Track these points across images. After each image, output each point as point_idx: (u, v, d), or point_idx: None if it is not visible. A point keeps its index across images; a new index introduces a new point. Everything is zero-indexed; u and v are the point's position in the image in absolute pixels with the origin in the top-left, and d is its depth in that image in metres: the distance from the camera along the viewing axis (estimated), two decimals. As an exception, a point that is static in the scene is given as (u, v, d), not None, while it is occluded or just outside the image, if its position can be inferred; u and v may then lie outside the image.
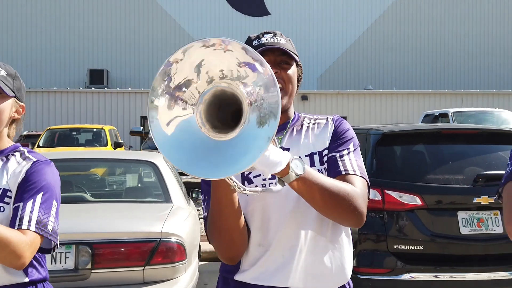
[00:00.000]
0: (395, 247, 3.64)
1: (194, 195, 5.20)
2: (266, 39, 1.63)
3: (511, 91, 26.61)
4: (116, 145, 12.30)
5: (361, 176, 1.52)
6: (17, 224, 1.57)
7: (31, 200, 1.61)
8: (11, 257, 1.50)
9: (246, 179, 1.55)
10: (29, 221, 1.57)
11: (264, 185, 1.54)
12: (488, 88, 28.90)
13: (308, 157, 1.57)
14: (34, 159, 1.71)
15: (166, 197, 3.96)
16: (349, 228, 1.61)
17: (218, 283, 1.70)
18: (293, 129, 1.65)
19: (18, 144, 1.78)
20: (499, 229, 3.80)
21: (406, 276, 3.65)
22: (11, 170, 1.68)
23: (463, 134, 4.28)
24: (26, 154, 1.73)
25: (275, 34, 1.67)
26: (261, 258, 1.54)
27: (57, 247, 1.65)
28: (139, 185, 4.70)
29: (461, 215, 3.81)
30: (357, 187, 1.49)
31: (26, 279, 1.63)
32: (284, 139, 1.62)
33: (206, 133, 1.23)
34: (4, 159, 1.71)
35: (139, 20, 29.76)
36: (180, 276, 3.41)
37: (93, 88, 25.54)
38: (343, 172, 1.50)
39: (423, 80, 30.16)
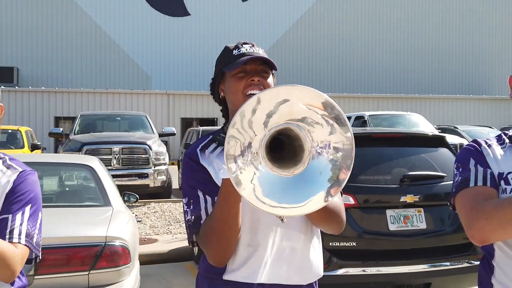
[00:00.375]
0: (330, 244, 3.86)
1: (125, 198, 5.16)
2: (246, 49, 1.71)
3: (418, 96, 28.32)
4: (33, 147, 11.79)
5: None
6: (7, 236, 1.55)
7: (20, 212, 1.60)
8: (5, 270, 1.49)
9: None
10: (19, 234, 1.56)
11: None
12: (398, 92, 30.51)
13: None
14: (20, 169, 1.69)
15: (105, 201, 3.93)
16: (319, 230, 1.76)
17: (200, 284, 1.76)
18: None
19: None
20: (422, 225, 4.14)
21: (340, 271, 3.88)
22: None
23: (390, 138, 4.60)
24: (8, 162, 1.70)
25: (253, 45, 1.75)
26: (250, 257, 1.63)
27: (38, 259, 1.64)
28: (77, 189, 4.60)
29: (389, 212, 4.10)
30: (340, 200, 1.66)
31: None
32: None
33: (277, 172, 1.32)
34: None
35: (52, 16, 28.55)
36: (125, 280, 3.42)
37: (2, 87, 24.17)
38: None
39: (337, 84, 31.29)
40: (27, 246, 1.56)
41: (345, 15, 31.63)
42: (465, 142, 12.61)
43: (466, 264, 4.21)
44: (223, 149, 1.31)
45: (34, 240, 1.59)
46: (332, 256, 3.88)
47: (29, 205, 1.64)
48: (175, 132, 13.49)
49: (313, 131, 1.33)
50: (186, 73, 29.97)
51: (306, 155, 1.33)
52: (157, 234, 8.01)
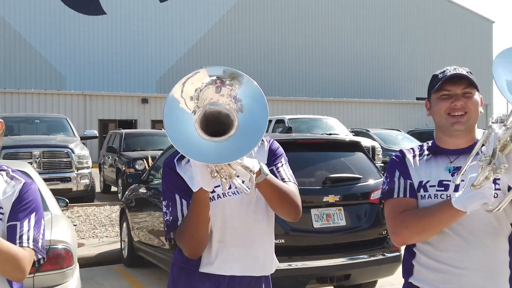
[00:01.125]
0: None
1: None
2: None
3: (332, 99, 29.59)
4: None
5: (294, 183, 2.00)
6: (17, 241, 1.73)
7: (27, 220, 1.78)
8: (17, 271, 1.68)
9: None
10: (28, 239, 1.75)
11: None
12: (314, 96, 31.67)
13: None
14: (23, 180, 1.87)
15: (43, 206, 4.01)
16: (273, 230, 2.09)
17: (175, 274, 2.02)
18: None
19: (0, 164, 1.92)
20: (342, 222, 4.58)
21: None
22: (1, 189, 1.82)
23: (314, 143, 5.02)
24: (11, 173, 1.87)
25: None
26: (222, 252, 1.92)
27: (43, 260, 1.82)
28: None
29: (313, 211, 4.51)
30: (295, 188, 1.98)
31: None
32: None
33: (204, 137, 1.60)
34: None
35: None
36: (69, 281, 3.56)
37: None
38: (281, 180, 1.95)
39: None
40: (34, 250, 1.75)
41: (262, 19, 32.36)
42: (377, 145, 13.48)
43: (380, 256, 4.71)
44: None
45: (40, 244, 1.78)
46: (263, 253, 4.22)
47: (34, 213, 1.83)
48: (97, 135, 13.33)
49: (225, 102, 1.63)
50: (102, 74, 29.32)
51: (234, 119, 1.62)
52: (83, 238, 7.99)
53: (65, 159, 10.15)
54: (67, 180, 10.03)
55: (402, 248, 3.69)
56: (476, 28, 38.38)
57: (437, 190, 1.88)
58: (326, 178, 4.60)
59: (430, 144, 2.03)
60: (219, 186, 1.85)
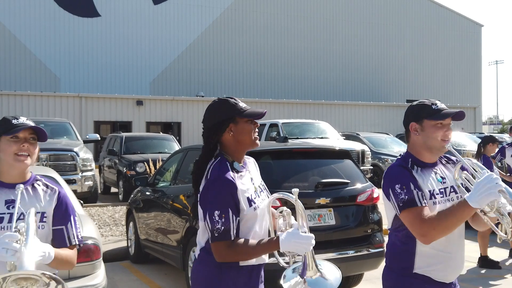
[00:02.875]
0: (261, 238, 4.79)
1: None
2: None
3: (324, 102, 30.16)
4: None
5: None
6: (67, 241, 2.34)
7: (69, 222, 2.37)
8: (70, 266, 2.34)
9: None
10: (75, 237, 2.36)
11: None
12: (305, 98, 32.26)
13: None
14: (56, 188, 2.42)
15: (70, 207, 4.59)
16: None
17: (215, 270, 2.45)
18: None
19: (33, 173, 2.47)
20: (332, 222, 5.19)
21: (270, 260, 4.80)
22: (42, 197, 2.34)
23: (307, 152, 5.64)
24: (44, 181, 2.41)
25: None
26: None
27: (81, 245, 2.43)
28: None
29: (307, 212, 5.11)
30: None
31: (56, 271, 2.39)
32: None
33: None
34: (31, 187, 2.35)
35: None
36: (98, 271, 4.15)
37: None
38: None
39: (248, 89, 32.49)
40: (79, 244, 2.39)
41: (255, 23, 32.90)
42: (366, 149, 14.10)
43: (366, 252, 5.33)
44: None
45: (80, 236, 2.41)
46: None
47: (72, 215, 2.41)
48: (99, 138, 13.84)
49: None
50: (97, 76, 29.71)
51: None
52: (90, 237, 8.53)
53: (70, 162, 10.67)
54: (72, 182, 10.54)
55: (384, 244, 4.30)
56: (465, 32, 39.18)
57: (441, 197, 2.43)
58: (318, 182, 5.20)
59: (411, 159, 2.51)
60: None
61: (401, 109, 31.24)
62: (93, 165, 11.31)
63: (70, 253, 2.31)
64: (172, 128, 25.49)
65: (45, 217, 2.34)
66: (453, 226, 2.29)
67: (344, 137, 15.46)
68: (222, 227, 2.30)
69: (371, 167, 14.07)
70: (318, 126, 15.02)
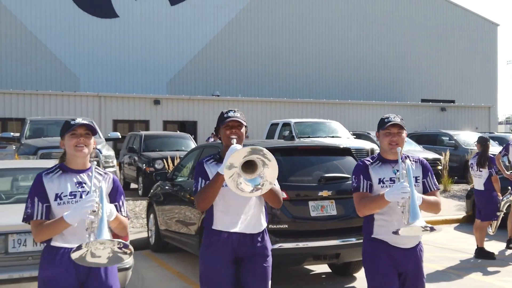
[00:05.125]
0: (270, 226, 5.35)
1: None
2: (233, 113, 3.41)
3: (338, 101, 30.54)
4: (-17, 151, 12.48)
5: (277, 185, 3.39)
6: (121, 213, 3.06)
7: (121, 200, 3.11)
8: (126, 231, 3.05)
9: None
10: (125, 211, 3.10)
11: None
12: (320, 98, 32.67)
13: None
14: (110, 174, 3.13)
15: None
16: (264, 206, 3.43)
17: (203, 234, 3.45)
18: None
19: (92, 164, 3.11)
20: (334, 212, 5.75)
21: (276, 246, 5.39)
22: (101, 180, 3.02)
23: (311, 149, 6.22)
24: (99, 170, 3.10)
25: (235, 111, 3.43)
26: (226, 217, 3.37)
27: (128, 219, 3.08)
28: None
29: (311, 203, 5.68)
30: (279, 188, 3.37)
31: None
32: None
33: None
34: (91, 174, 3.01)
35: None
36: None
37: None
38: None
39: (264, 89, 32.98)
40: (127, 217, 3.11)
41: (270, 23, 33.38)
42: (375, 147, 14.53)
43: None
44: (216, 163, 3.32)
45: (127, 212, 3.10)
46: (271, 235, 5.39)
47: (122, 195, 3.13)
48: (120, 137, 14.50)
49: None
50: (115, 75, 30.42)
51: (260, 168, 3.03)
52: (113, 228, 9.18)
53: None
54: (95, 177, 11.15)
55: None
56: (480, 31, 39.25)
57: (389, 184, 3.39)
58: (321, 177, 5.78)
59: (376, 157, 3.52)
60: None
61: (415, 109, 31.50)
62: (115, 161, 11.96)
63: (125, 219, 3.04)
64: (185, 127, 26.07)
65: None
66: (375, 209, 3.33)
67: (355, 136, 15.91)
68: None
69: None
70: (330, 125, 15.51)
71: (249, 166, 2.98)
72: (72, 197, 2.94)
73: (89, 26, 30.01)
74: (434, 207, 3.37)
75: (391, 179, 3.39)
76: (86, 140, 2.98)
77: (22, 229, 4.36)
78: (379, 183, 3.39)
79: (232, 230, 3.36)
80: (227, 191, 3.29)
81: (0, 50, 28.52)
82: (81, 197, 2.95)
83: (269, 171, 2.98)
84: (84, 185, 3.00)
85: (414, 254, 3.42)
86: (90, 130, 3.03)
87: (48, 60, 29.34)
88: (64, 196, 2.93)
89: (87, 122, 3.04)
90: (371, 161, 3.48)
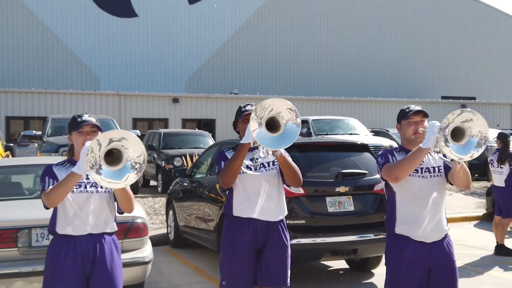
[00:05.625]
0: (287, 222, 5.39)
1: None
2: (250, 107, 3.52)
3: (356, 98, 30.40)
4: (6, 148, 12.72)
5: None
6: None
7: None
8: (131, 205, 3.13)
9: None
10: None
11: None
12: (338, 95, 32.56)
13: None
14: None
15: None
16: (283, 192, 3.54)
17: (224, 221, 3.59)
18: None
19: None
20: (351, 208, 5.77)
21: (294, 241, 5.42)
22: None
23: (328, 145, 6.25)
24: None
25: (252, 105, 3.50)
26: (245, 204, 3.48)
27: None
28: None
29: (328, 199, 5.70)
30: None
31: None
32: None
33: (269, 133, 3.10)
34: None
35: (-3, 15, 28.63)
36: (146, 246, 4.88)
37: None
38: None
39: (281, 86, 32.96)
40: None
41: (288, 21, 33.34)
42: (394, 144, 14.48)
43: (382, 236, 5.87)
44: (233, 151, 3.45)
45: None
46: (288, 230, 5.43)
47: None
48: (140, 134, 14.65)
49: (283, 116, 3.17)
50: (134, 74, 30.68)
51: (282, 125, 3.18)
52: (134, 224, 9.31)
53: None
54: (116, 174, 11.31)
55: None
56: (502, 27, 38.67)
57: (413, 172, 3.21)
58: (338, 173, 5.80)
59: (399, 148, 3.41)
60: (251, 169, 3.39)
61: (435, 106, 31.19)
62: (135, 159, 12.08)
63: (130, 191, 3.10)
64: (201, 125, 26.21)
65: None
66: (411, 163, 3.05)
67: (373, 133, 15.85)
68: None
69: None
70: (348, 122, 15.47)
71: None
72: (78, 186, 3.07)
73: (108, 25, 30.31)
74: (467, 174, 3.15)
75: (415, 169, 3.23)
76: (93, 137, 3.03)
77: (45, 223, 4.45)
78: None
79: (252, 217, 3.47)
80: (246, 178, 3.45)
81: (22, 50, 28.99)
82: (85, 187, 3.09)
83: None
84: (89, 177, 3.09)
85: (441, 248, 3.26)
86: (96, 127, 3.13)
87: (68, 59, 29.72)
88: None
89: (94, 121, 3.14)
90: (395, 151, 3.37)
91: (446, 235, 3.32)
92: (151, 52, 30.77)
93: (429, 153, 3.29)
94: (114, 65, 30.41)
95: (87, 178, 3.09)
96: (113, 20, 30.37)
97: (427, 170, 3.28)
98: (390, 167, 3.15)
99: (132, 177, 2.82)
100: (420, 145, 3.05)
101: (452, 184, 3.28)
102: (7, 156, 12.69)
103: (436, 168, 3.30)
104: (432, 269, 3.25)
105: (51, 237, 4.49)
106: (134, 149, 2.82)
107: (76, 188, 3.06)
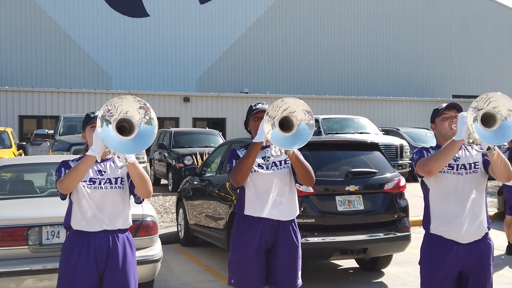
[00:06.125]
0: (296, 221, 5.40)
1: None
2: (261, 105, 3.48)
3: (367, 97, 30.26)
4: (19, 147, 12.84)
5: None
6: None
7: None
8: (147, 186, 3.07)
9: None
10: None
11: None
12: (348, 94, 32.44)
13: None
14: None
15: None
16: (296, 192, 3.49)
17: (235, 219, 3.57)
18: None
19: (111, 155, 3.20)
20: (361, 207, 5.74)
21: (302, 240, 5.40)
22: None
23: (338, 144, 6.22)
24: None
25: (263, 103, 3.47)
26: (256, 202, 3.44)
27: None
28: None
29: (338, 198, 5.69)
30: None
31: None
32: None
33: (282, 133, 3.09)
34: (111, 162, 3.18)
35: (11, 16, 28.75)
36: (156, 244, 4.91)
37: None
38: None
39: (292, 85, 32.91)
40: None
41: (299, 19, 33.26)
42: (404, 143, 14.41)
43: (392, 235, 5.86)
44: (245, 149, 3.42)
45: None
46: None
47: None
48: (150, 133, 14.66)
49: (297, 116, 3.14)
50: (145, 73, 30.80)
51: (296, 124, 3.16)
52: (144, 223, 9.35)
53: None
54: (126, 173, 11.38)
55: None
56: (513, 24, 38.32)
57: (447, 169, 3.15)
58: (348, 171, 5.78)
59: (435, 146, 3.30)
60: (262, 168, 3.35)
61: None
62: (145, 157, 12.16)
63: (144, 171, 3.09)
64: (210, 125, 26.22)
65: (123, 181, 3.19)
66: (445, 156, 2.99)
67: (384, 132, 15.78)
68: None
69: (410, 161, 14.37)
70: (358, 121, 15.42)
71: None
72: (92, 183, 3.10)
73: (120, 25, 30.46)
74: (506, 164, 3.03)
75: (449, 165, 3.14)
76: None
77: (55, 221, 4.51)
78: None
79: (263, 216, 3.44)
80: (258, 177, 3.42)
81: (35, 50, 29.22)
82: (100, 183, 3.11)
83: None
84: (103, 173, 3.14)
85: (478, 250, 3.13)
86: None
87: (81, 59, 29.91)
88: (84, 181, 3.08)
89: None
90: (431, 150, 3.28)
91: (485, 236, 3.17)
92: (162, 52, 30.87)
93: (466, 149, 3.22)
94: (126, 64, 30.56)
95: (101, 175, 3.12)
96: (124, 20, 30.51)
97: (463, 166, 3.17)
98: (424, 161, 3.09)
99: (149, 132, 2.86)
100: (453, 137, 2.99)
101: (494, 179, 3.22)
102: (20, 155, 12.79)
103: (473, 165, 3.18)
104: (465, 271, 3.14)
105: (61, 235, 4.56)
106: (138, 112, 2.85)
107: (90, 185, 3.10)
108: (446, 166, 3.13)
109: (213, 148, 10.53)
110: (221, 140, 14.26)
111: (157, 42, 30.86)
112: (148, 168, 15.58)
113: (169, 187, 13.45)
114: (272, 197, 3.44)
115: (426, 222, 3.24)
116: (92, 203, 3.09)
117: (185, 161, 12.66)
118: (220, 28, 31.97)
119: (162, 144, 14.32)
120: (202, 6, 31.68)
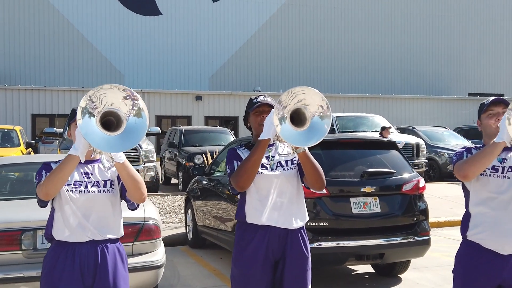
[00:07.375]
0: (309, 224, 5.06)
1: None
2: (263, 98, 3.11)
3: (381, 96, 29.83)
4: (28, 145, 12.66)
5: None
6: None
7: None
8: (140, 189, 2.71)
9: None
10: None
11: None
12: (362, 92, 32.02)
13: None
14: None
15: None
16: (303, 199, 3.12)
17: (237, 227, 3.15)
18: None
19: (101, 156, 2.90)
20: (377, 210, 5.40)
21: (315, 244, 5.09)
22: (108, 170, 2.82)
23: (353, 142, 5.87)
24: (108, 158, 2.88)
25: (265, 96, 3.12)
26: (258, 208, 3.04)
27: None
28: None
29: (352, 200, 5.35)
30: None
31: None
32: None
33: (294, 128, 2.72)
34: (99, 164, 2.85)
35: (24, 15, 28.79)
36: (158, 249, 4.59)
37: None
38: None
39: (304, 83, 32.60)
40: None
41: (312, 17, 32.91)
42: (421, 142, 14.02)
43: (411, 239, 5.51)
44: (248, 150, 3.00)
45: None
46: (309, 233, 5.10)
47: None
48: (160, 131, 14.50)
49: (310, 109, 2.75)
50: (158, 72, 30.70)
51: (309, 118, 2.75)
52: (152, 223, 9.10)
53: (133, 153, 11.29)
54: (135, 172, 11.17)
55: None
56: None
57: (490, 171, 2.83)
58: (364, 172, 5.43)
59: (481, 146, 2.98)
60: (267, 168, 2.99)
61: (462, 103, 30.40)
62: (155, 156, 11.92)
63: (136, 172, 2.75)
64: (223, 123, 25.99)
65: (113, 184, 2.84)
66: (482, 160, 2.70)
67: (399, 131, 15.39)
68: None
69: (426, 161, 13.98)
70: (372, 119, 15.06)
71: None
72: (77, 186, 2.76)
73: (133, 24, 30.39)
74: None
75: (493, 167, 2.82)
76: None
77: (52, 224, 4.23)
78: None
79: (267, 224, 3.02)
80: (261, 179, 3.02)
81: (48, 49, 29.24)
82: (86, 187, 2.76)
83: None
84: (90, 176, 2.80)
85: None
86: None
87: (93, 57, 29.88)
88: (68, 184, 2.73)
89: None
90: (475, 150, 2.96)
91: None
92: (174, 50, 30.72)
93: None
94: (138, 63, 30.48)
95: (88, 177, 2.79)
96: (137, 19, 30.43)
97: (510, 169, 2.82)
98: (460, 164, 2.79)
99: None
100: (494, 139, 2.67)
101: None
102: (28, 153, 12.62)
103: None
104: (504, 286, 2.82)
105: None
106: (125, 103, 2.46)
107: (75, 188, 2.74)
108: (488, 169, 2.81)
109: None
110: (232, 139, 13.98)
111: (170, 40, 30.72)
112: (159, 167, 15.35)
113: (179, 186, 13.20)
114: (279, 202, 3.01)
115: (464, 227, 2.95)
116: (75, 208, 2.73)
117: (195, 160, 12.40)
118: (233, 26, 31.75)
119: (172, 143, 14.07)
120: (214, 4, 31.49)
